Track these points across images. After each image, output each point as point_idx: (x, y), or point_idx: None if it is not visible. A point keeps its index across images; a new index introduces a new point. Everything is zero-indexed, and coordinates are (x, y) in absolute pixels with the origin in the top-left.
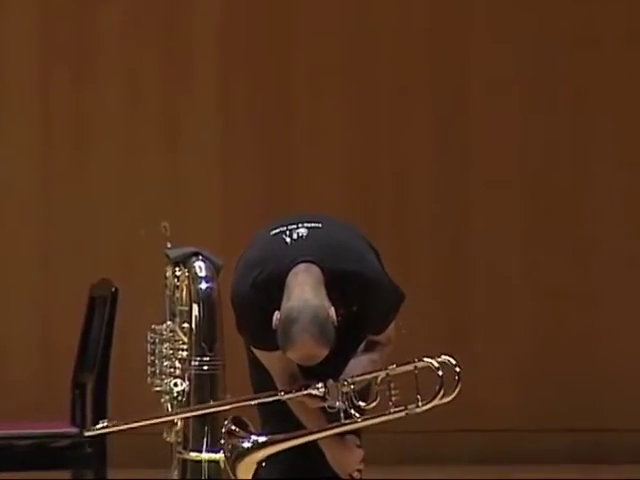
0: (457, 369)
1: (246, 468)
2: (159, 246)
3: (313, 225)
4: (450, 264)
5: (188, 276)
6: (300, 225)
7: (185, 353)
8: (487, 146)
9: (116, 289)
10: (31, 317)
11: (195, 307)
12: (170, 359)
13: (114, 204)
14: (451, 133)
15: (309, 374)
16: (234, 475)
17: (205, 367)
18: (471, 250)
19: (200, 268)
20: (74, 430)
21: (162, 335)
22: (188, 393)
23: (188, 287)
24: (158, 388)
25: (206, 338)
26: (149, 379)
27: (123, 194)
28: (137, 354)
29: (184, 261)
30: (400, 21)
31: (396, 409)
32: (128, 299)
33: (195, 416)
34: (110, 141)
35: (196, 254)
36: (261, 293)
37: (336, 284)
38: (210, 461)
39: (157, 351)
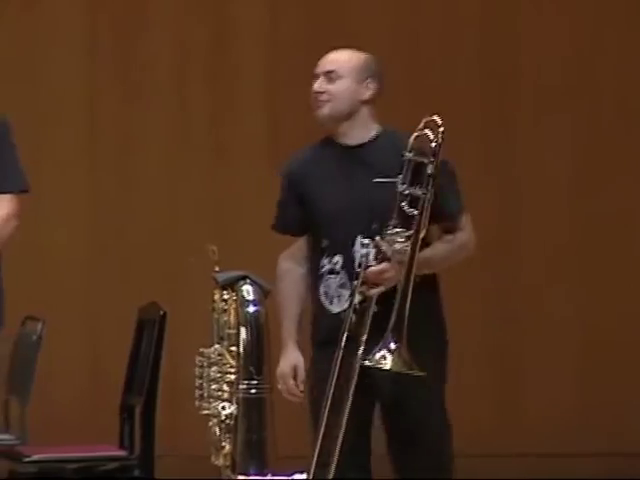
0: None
1: None
2: (207, 270)
3: None
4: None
5: (236, 299)
6: None
7: (233, 376)
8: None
9: (164, 312)
10: (80, 340)
11: (243, 330)
12: (218, 382)
13: (162, 227)
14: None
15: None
16: None
17: (253, 390)
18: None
19: (248, 292)
20: (122, 453)
21: (210, 358)
22: (236, 416)
23: (236, 310)
24: (206, 411)
25: (254, 361)
26: (197, 402)
27: (171, 217)
28: (185, 377)
29: (232, 285)
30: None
31: None
32: (176, 322)
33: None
34: (157, 162)
35: (244, 278)
36: None
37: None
38: None
39: (205, 374)
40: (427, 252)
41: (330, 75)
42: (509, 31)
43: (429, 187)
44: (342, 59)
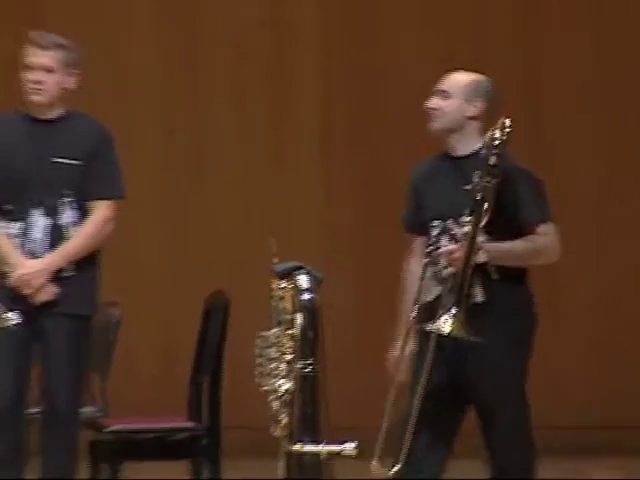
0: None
1: None
2: (266, 261)
3: None
4: None
5: (292, 288)
6: None
7: (290, 356)
8: None
9: (228, 300)
10: (155, 325)
11: (298, 316)
12: (276, 362)
13: (228, 223)
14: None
15: None
16: None
17: (307, 369)
18: None
19: (303, 281)
20: (192, 425)
21: (269, 340)
22: (292, 392)
23: (292, 298)
24: (266, 387)
25: (308, 343)
26: (257, 379)
27: (235, 215)
28: (247, 357)
29: (289, 275)
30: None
31: None
32: (239, 309)
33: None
34: (226, 160)
35: (299, 268)
36: None
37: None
38: (311, 453)
39: (265, 355)
40: (507, 245)
41: (443, 94)
42: (536, 44)
43: (490, 176)
44: (454, 80)
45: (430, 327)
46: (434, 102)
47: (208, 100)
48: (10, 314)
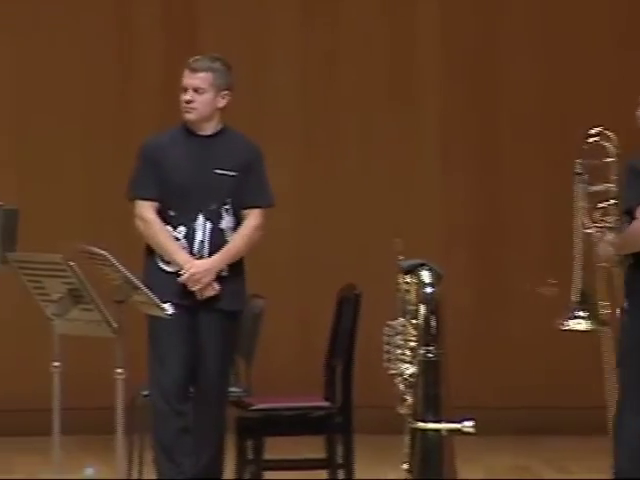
0: None
1: None
2: (393, 258)
3: None
4: None
5: (416, 282)
6: None
7: (414, 343)
8: None
9: (359, 292)
10: (293, 314)
11: (422, 307)
12: (402, 348)
13: (358, 224)
14: None
15: None
16: None
17: (430, 355)
18: None
19: (426, 276)
20: (327, 404)
21: (396, 329)
22: (417, 375)
23: (416, 291)
24: (393, 371)
25: (431, 331)
26: (385, 364)
27: (365, 217)
28: (376, 344)
29: (413, 270)
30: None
31: None
32: (369, 300)
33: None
34: (354, 169)
35: (423, 264)
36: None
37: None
38: (433, 430)
39: (392, 342)
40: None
41: None
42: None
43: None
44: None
45: (565, 326)
46: None
47: (337, 110)
48: (166, 305)
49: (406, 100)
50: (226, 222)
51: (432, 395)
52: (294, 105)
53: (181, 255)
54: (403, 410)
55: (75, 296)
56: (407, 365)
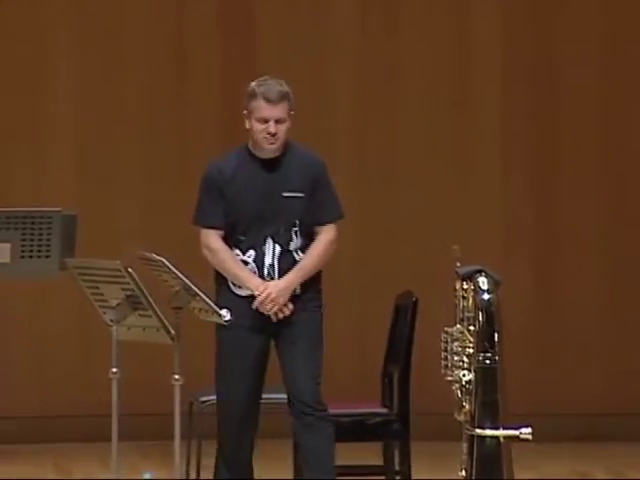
0: None
1: None
2: (451, 264)
3: None
4: None
5: (473, 289)
6: None
7: (471, 350)
8: None
9: (416, 299)
10: (350, 321)
11: (479, 313)
12: (459, 355)
13: (416, 231)
14: None
15: None
16: None
17: (487, 361)
18: None
19: (483, 282)
20: (384, 410)
21: (453, 335)
22: (474, 382)
23: (474, 297)
24: (450, 378)
25: (488, 338)
26: (442, 370)
27: (422, 222)
28: (433, 351)
29: (470, 277)
30: None
31: None
32: (426, 307)
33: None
34: (412, 167)
35: (480, 271)
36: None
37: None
38: (491, 437)
39: (449, 348)
40: None
41: None
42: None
43: None
44: None
45: None
46: None
47: (397, 115)
48: (223, 311)
49: (467, 103)
50: (295, 244)
51: (489, 402)
52: (352, 108)
53: (253, 280)
54: (460, 417)
55: (133, 302)
56: (464, 372)
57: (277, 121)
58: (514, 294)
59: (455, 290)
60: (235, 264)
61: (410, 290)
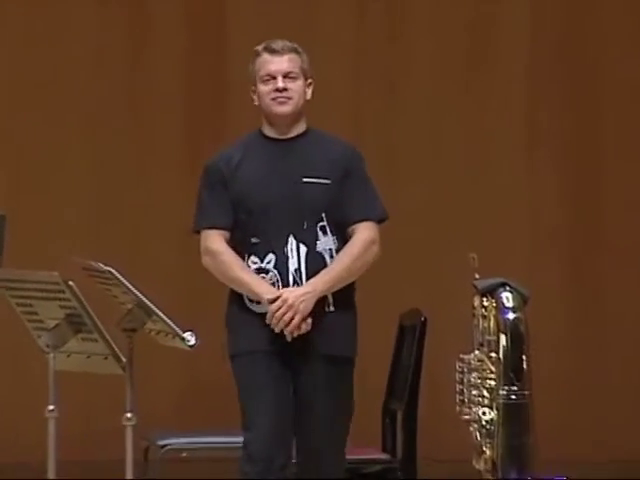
0: None
1: None
2: (467, 276)
3: None
4: None
5: (495, 306)
6: None
7: (493, 382)
8: None
9: (425, 319)
10: None
11: (502, 337)
12: (478, 388)
13: (423, 235)
14: None
15: None
16: None
17: (513, 396)
18: None
19: (507, 299)
20: (385, 456)
21: (470, 364)
22: (496, 422)
23: (495, 317)
24: (467, 416)
25: (513, 368)
26: (457, 407)
27: (431, 225)
28: (444, 382)
29: (492, 292)
30: None
31: None
32: (436, 328)
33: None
34: (417, 172)
35: (503, 285)
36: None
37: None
38: None
39: (465, 380)
40: None
41: None
42: None
43: None
44: None
45: None
46: None
47: (402, 106)
48: (187, 334)
49: (482, 88)
50: (323, 243)
51: (516, 446)
52: (349, 95)
53: (262, 285)
54: (480, 465)
55: (75, 323)
56: (484, 409)
57: (286, 77)
58: (544, 313)
59: (473, 308)
60: (241, 269)
61: (417, 308)
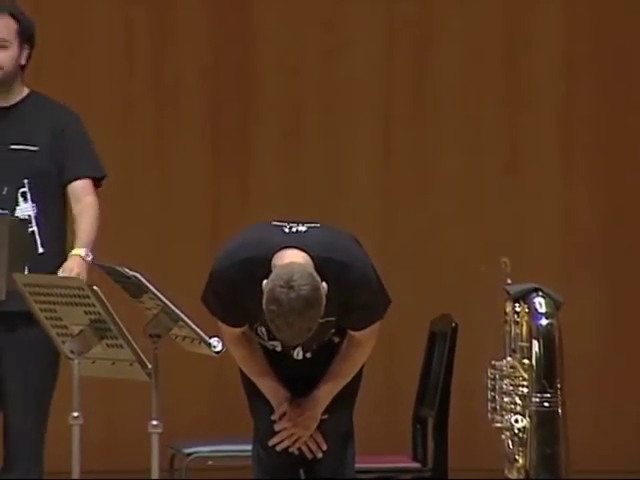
0: None
1: None
2: (499, 282)
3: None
4: None
5: (528, 312)
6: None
7: (525, 389)
8: None
9: (456, 324)
10: (375, 354)
11: (535, 343)
12: (510, 395)
13: (455, 238)
14: None
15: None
16: None
17: (546, 404)
18: None
19: (540, 304)
20: (416, 465)
21: (502, 371)
22: (529, 430)
23: (528, 323)
24: (498, 424)
25: (546, 375)
26: (489, 415)
27: (464, 228)
28: (476, 389)
29: (524, 297)
30: None
31: None
32: (468, 334)
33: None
34: (450, 174)
35: (536, 290)
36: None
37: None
38: None
39: (497, 387)
40: None
41: None
42: None
43: None
44: None
45: None
46: None
47: (431, 107)
48: (213, 340)
49: (515, 91)
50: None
51: (548, 455)
52: (376, 94)
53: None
54: (512, 474)
55: (100, 329)
56: (517, 417)
57: None
58: (578, 318)
59: (505, 314)
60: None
61: (448, 313)
